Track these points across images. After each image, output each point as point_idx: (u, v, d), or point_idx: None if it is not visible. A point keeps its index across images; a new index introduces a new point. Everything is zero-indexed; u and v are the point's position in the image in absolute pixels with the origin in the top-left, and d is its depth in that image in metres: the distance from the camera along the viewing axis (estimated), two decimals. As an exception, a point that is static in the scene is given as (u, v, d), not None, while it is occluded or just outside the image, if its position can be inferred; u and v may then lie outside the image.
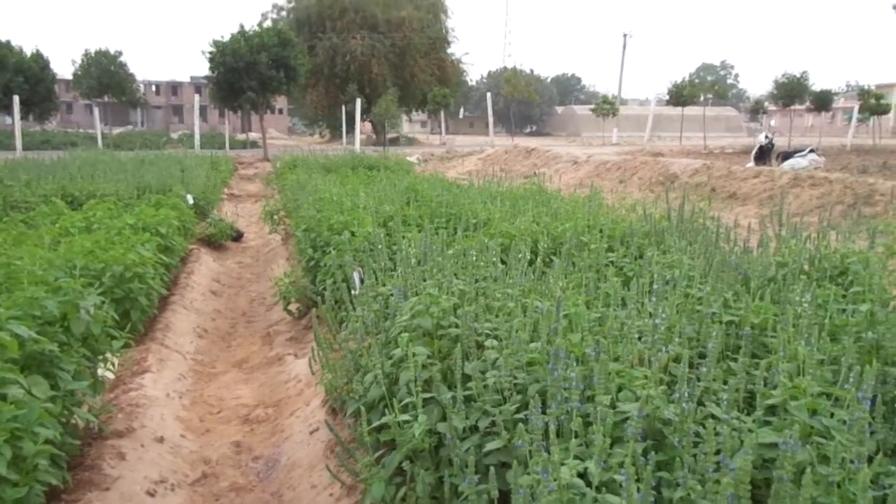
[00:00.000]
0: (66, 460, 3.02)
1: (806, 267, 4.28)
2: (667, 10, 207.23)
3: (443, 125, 47.39)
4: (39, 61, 33.09)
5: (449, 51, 50.35)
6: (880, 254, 4.27)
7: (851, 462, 1.94)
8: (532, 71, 76.60)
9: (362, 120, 34.19)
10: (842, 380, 2.45)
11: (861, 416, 1.99)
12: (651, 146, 31.09)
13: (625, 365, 2.67)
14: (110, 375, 4.56)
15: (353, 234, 5.91)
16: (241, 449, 4.37)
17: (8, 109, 27.59)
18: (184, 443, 4.35)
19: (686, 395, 2.23)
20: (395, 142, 41.21)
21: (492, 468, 2.18)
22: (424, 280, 3.94)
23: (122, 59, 37.31)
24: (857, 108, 33.21)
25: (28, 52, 33.09)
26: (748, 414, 2.42)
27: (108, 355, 4.01)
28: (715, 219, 5.56)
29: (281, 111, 71.06)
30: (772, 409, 2.42)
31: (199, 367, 5.87)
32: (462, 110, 73.11)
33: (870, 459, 2.04)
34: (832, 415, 2.28)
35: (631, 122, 55.48)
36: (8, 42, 31.21)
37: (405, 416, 2.84)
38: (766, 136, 21.38)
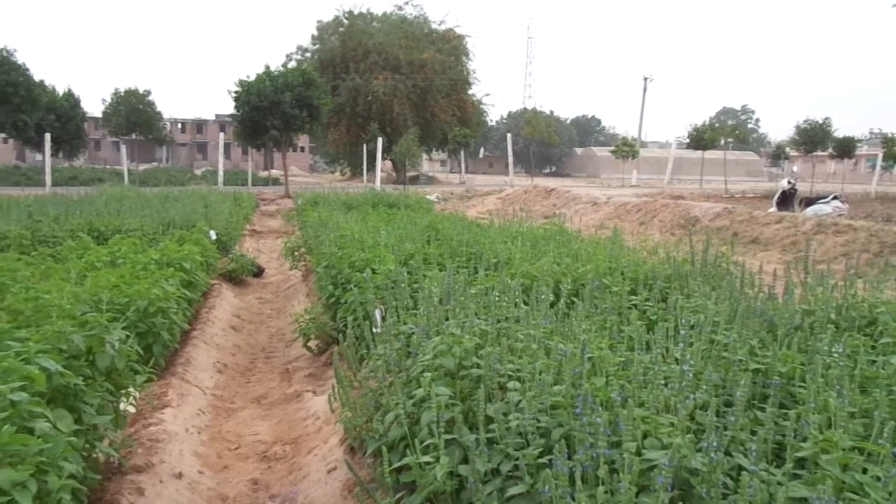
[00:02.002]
0: (87, 495, 3.02)
1: (833, 316, 4.22)
2: (688, 53, 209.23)
3: (463, 164, 47.83)
4: (70, 100, 34.02)
5: (470, 92, 51.09)
6: (910, 304, 4.21)
7: (887, 519, 1.89)
8: (552, 112, 77.55)
9: (383, 158, 34.62)
10: (875, 434, 2.40)
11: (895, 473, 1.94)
12: (671, 189, 31.09)
13: (650, 411, 2.64)
14: (131, 409, 4.57)
15: (374, 271, 5.93)
16: (258, 487, 4.34)
17: (39, 146, 28.31)
18: (202, 479, 4.33)
19: (714, 444, 2.19)
20: (414, 180, 41.60)
21: (515, 514, 2.15)
22: (447, 319, 3.94)
23: (150, 97, 38.30)
24: (881, 155, 33.04)
25: (60, 90, 34.10)
26: (776, 466, 2.37)
27: (131, 389, 4.03)
28: (739, 264, 5.52)
29: (303, 149, 72.15)
30: (800, 462, 2.37)
31: (219, 403, 5.86)
32: (482, 150, 73.79)
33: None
34: (865, 470, 2.22)
35: (650, 164, 55.64)
36: (41, 82, 32.15)
37: (427, 458, 2.82)
38: (789, 182, 21.30)
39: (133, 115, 37.00)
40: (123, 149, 34.94)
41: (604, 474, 2.16)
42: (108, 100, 38.02)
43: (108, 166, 51.52)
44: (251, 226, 18.35)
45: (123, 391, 3.95)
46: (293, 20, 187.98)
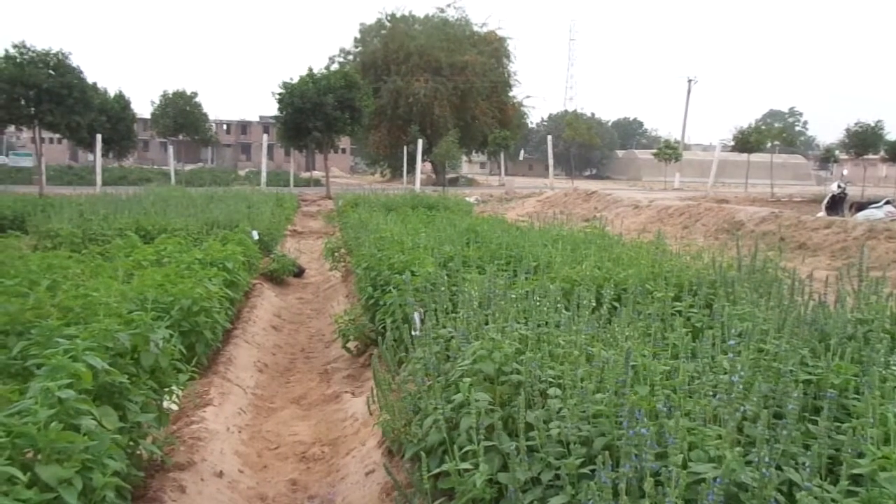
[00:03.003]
0: (130, 492, 3.07)
1: (888, 325, 4.05)
2: (733, 55, 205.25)
3: (502, 166, 47.70)
4: (121, 102, 34.98)
5: (510, 94, 50.90)
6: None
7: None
8: (593, 114, 76.75)
9: (423, 160, 34.75)
10: (937, 451, 2.28)
11: (962, 493, 1.84)
12: (715, 192, 30.47)
13: (696, 422, 2.56)
14: (174, 407, 4.64)
15: (413, 273, 5.92)
16: (297, 487, 4.37)
17: (91, 147, 29.13)
18: (242, 478, 4.37)
19: (766, 458, 2.11)
20: (454, 182, 41.64)
21: (556, 525, 2.11)
22: (486, 323, 3.90)
23: (196, 99, 39.20)
24: (935, 158, 31.85)
25: (112, 93, 35.07)
26: (831, 482, 2.27)
27: (174, 388, 4.09)
28: (789, 270, 5.36)
29: (344, 150, 72.88)
30: (855, 479, 2.27)
31: (259, 402, 5.93)
32: (522, 152, 73.39)
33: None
34: (927, 489, 2.11)
35: (693, 167, 54.65)
36: (94, 84, 33.06)
37: (466, 464, 2.79)
38: (839, 186, 20.68)
39: (180, 116, 37.95)
40: (170, 149, 35.77)
41: (649, 488, 2.09)
42: (157, 101, 39.17)
43: (155, 166, 52.88)
44: (292, 226, 18.56)
45: (167, 389, 4.01)
46: (336, 23, 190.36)
